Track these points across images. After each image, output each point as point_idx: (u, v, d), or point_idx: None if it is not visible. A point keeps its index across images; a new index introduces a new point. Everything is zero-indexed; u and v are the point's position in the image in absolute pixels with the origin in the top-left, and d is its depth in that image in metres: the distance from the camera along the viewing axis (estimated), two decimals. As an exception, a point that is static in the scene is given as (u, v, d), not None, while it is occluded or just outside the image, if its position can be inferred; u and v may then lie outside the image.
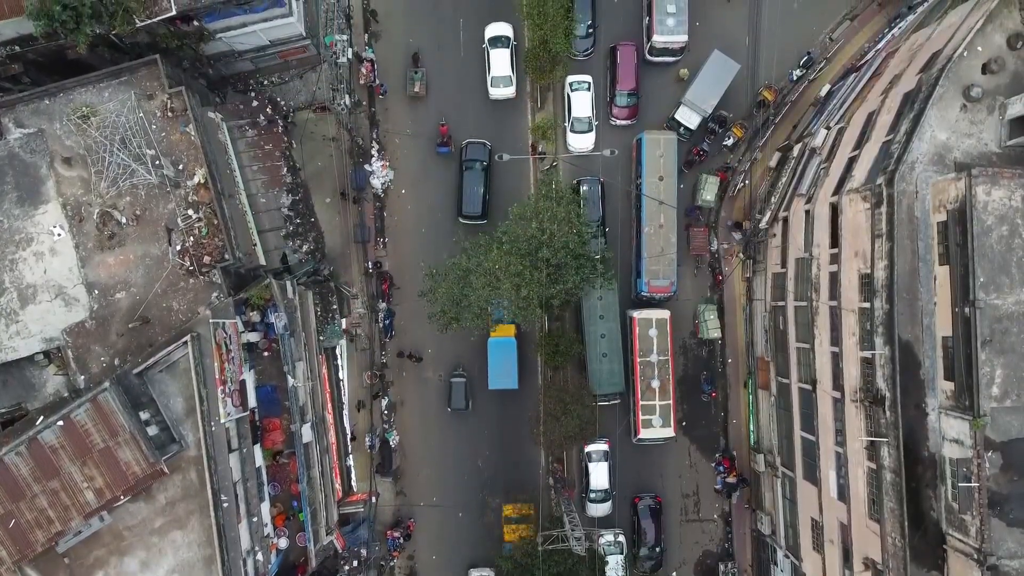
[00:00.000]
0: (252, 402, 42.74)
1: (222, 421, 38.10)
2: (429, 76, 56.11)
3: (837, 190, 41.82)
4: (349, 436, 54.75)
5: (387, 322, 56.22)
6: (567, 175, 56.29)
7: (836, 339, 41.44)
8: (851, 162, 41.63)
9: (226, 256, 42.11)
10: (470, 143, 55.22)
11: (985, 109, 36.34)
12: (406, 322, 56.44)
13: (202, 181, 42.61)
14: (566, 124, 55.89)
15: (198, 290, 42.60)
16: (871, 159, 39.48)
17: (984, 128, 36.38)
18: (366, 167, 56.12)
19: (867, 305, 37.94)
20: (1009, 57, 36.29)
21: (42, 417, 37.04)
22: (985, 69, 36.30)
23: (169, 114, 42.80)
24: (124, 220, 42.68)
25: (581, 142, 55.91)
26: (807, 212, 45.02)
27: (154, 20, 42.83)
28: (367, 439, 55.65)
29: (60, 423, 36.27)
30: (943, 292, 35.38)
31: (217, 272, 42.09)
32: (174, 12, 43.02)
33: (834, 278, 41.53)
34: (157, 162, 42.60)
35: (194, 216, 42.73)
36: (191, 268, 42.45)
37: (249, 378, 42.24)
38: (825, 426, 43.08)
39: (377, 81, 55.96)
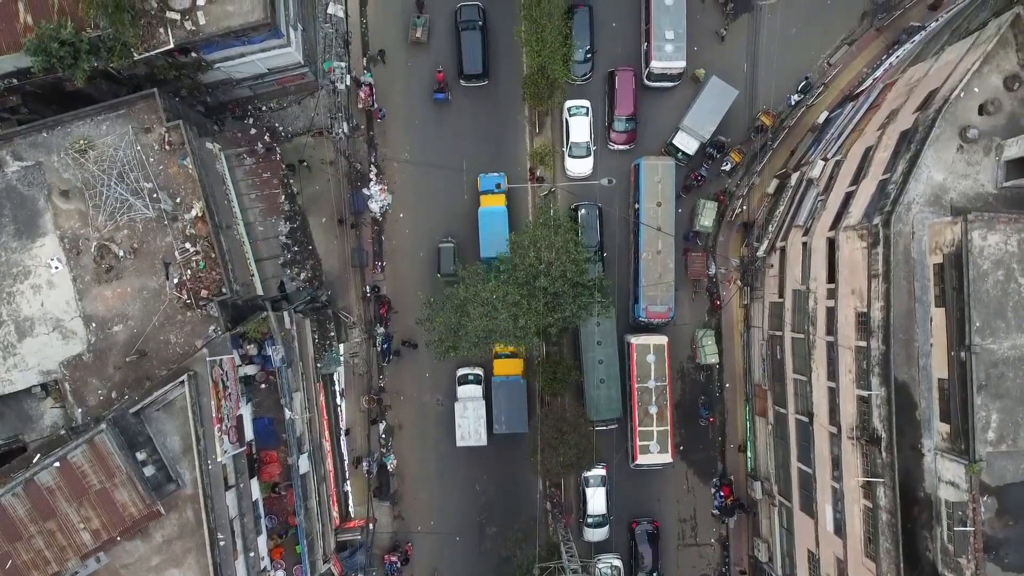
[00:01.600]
0: (249, 435, 42.79)
1: (219, 459, 38.16)
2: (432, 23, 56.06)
3: (834, 225, 41.83)
4: (347, 461, 54.79)
5: (385, 346, 56.25)
6: (565, 199, 56.35)
7: (833, 374, 41.47)
8: (848, 197, 41.62)
9: (223, 290, 42.14)
10: (463, 6, 55.04)
11: (982, 150, 36.35)
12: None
13: (200, 214, 42.64)
14: (564, 149, 55.88)
15: (195, 323, 42.65)
16: (868, 196, 39.48)
17: (981, 169, 36.38)
18: (364, 191, 56.14)
19: (863, 344, 37.96)
20: (1006, 98, 36.31)
21: (39, 455, 37.03)
22: (982, 110, 36.31)
23: (167, 147, 42.83)
24: (122, 253, 42.72)
25: (579, 167, 55.92)
26: (804, 244, 45.03)
27: (152, 53, 42.87)
28: (364, 464, 55.71)
29: (57, 464, 36.32)
30: (939, 334, 35.40)
31: (214, 305, 42.10)
32: (172, 45, 43.12)
33: (831, 313, 41.54)
34: (155, 195, 42.63)
35: (192, 249, 42.76)
36: (188, 301, 42.50)
37: (246, 412, 42.30)
38: (822, 460, 43.12)
39: (375, 105, 55.96)
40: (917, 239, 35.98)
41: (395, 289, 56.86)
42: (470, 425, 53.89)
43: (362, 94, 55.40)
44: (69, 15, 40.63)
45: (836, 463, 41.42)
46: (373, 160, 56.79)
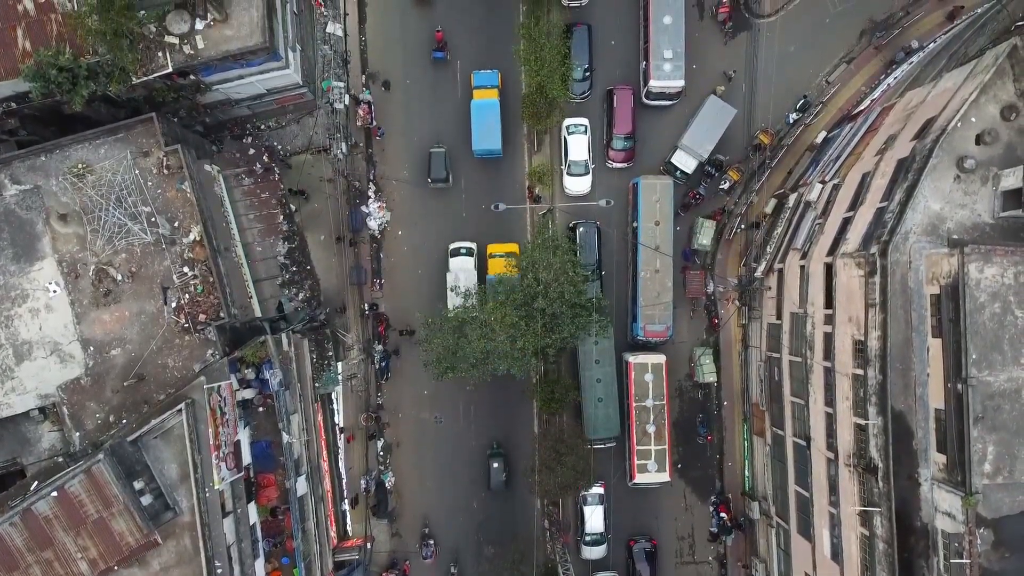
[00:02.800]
0: (247, 459, 42.84)
1: (216, 487, 38.19)
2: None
3: (832, 251, 41.86)
4: (344, 480, 54.85)
5: (383, 364, 56.27)
6: (563, 217, 56.41)
7: (830, 400, 41.51)
8: (845, 223, 41.67)
9: (221, 315, 42.17)
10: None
11: (979, 180, 36.41)
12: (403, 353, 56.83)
13: (198, 238, 42.67)
14: (563, 167, 55.90)
15: (193, 347, 42.70)
16: (865, 224, 39.53)
17: (978, 199, 36.44)
18: (363, 208, 56.14)
19: (860, 372, 38.00)
20: (1003, 128, 36.36)
21: (36, 483, 37.08)
22: (979, 140, 36.37)
23: (165, 171, 42.87)
24: (120, 277, 42.77)
25: (578, 185, 55.95)
26: (802, 268, 45.07)
27: (151, 77, 42.90)
28: (362, 481, 55.78)
29: (54, 494, 36.35)
30: (936, 364, 35.47)
31: (212, 330, 42.14)
32: (171, 69, 43.14)
33: (828, 339, 41.57)
34: (153, 219, 42.66)
35: (190, 274, 42.79)
36: (186, 326, 42.52)
37: (244, 436, 42.36)
38: (820, 485, 43.18)
39: (374, 123, 55.99)
40: (914, 269, 36.05)
41: (394, 306, 56.89)
42: (461, 279, 53.57)
43: (361, 112, 55.41)
44: (67, 41, 40.69)
45: (833, 488, 41.47)
46: (372, 178, 56.80)
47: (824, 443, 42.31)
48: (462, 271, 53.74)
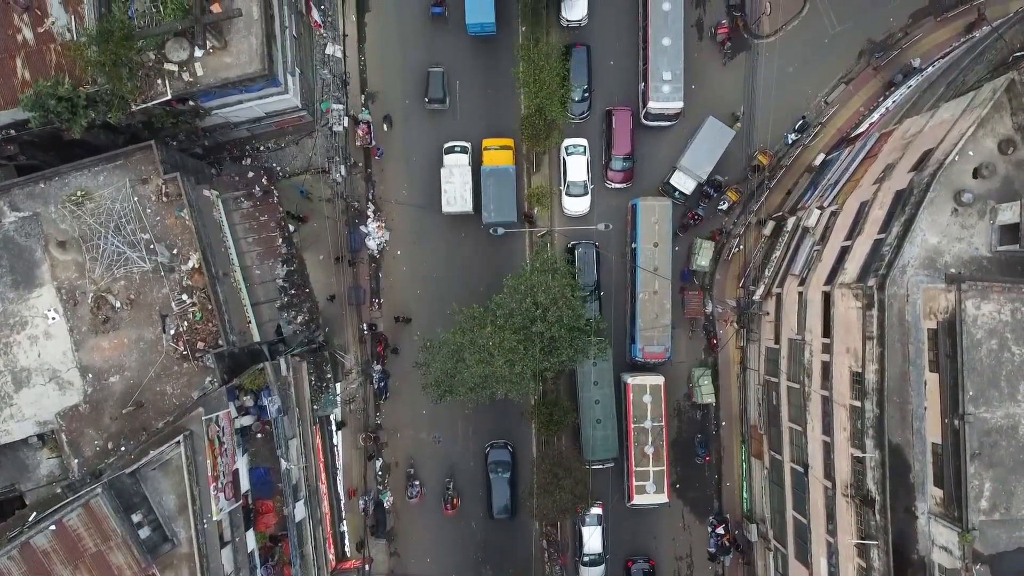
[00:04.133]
0: (245, 486, 42.90)
1: (215, 518, 38.24)
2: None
3: (830, 280, 41.91)
4: (343, 500, 54.94)
5: (382, 384, 56.33)
6: (562, 237, 56.46)
7: (828, 428, 41.54)
8: (843, 252, 41.71)
9: (220, 342, 42.20)
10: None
11: (976, 213, 36.44)
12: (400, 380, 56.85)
13: (196, 266, 42.71)
14: (561, 187, 55.92)
15: (192, 374, 42.77)
16: (863, 255, 39.56)
17: (975, 232, 36.48)
18: (362, 228, 56.17)
19: (858, 403, 38.04)
20: (1000, 162, 36.39)
21: (34, 515, 37.15)
22: (976, 174, 36.39)
23: (164, 198, 42.92)
24: (118, 304, 42.83)
25: (576, 205, 55.98)
26: (800, 294, 45.09)
27: (150, 104, 42.94)
28: (360, 502, 55.87)
29: (52, 527, 36.41)
30: (934, 398, 35.51)
31: (211, 357, 42.18)
32: (169, 96, 43.18)
33: (826, 368, 41.60)
34: (151, 247, 42.70)
35: (188, 301, 42.85)
36: (185, 353, 42.57)
37: (242, 464, 42.43)
38: (817, 512, 43.22)
39: (373, 143, 56.04)
40: (912, 302, 36.09)
41: (392, 326, 56.93)
42: (456, 191, 53.53)
43: (360, 131, 55.51)
44: (66, 71, 40.74)
45: (831, 517, 41.49)
46: (371, 197, 56.83)
47: (822, 471, 42.35)
48: (456, 167, 53.84)
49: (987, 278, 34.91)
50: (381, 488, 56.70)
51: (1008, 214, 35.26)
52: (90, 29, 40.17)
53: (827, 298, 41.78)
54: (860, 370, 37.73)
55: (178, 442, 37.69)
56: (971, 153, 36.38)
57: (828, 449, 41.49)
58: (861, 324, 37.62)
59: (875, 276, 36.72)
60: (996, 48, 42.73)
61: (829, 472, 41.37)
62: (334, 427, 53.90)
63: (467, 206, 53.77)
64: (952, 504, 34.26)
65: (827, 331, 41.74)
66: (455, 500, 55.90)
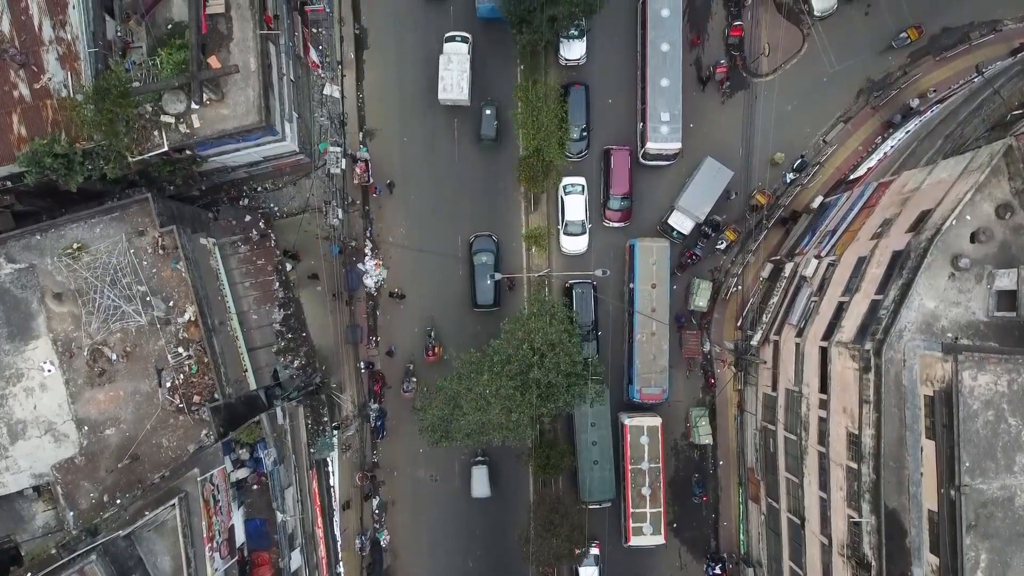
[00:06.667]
0: (241, 538, 42.83)
1: (210, 578, 38.29)
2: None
3: (827, 335, 41.86)
4: (339, 541, 54.90)
5: (379, 423, 56.28)
6: (560, 275, 56.38)
7: (824, 484, 41.51)
8: (841, 308, 41.66)
9: (216, 396, 42.13)
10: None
11: (973, 278, 36.36)
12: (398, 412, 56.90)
13: (192, 319, 42.62)
14: (560, 226, 55.82)
15: (188, 427, 42.69)
16: (860, 314, 39.51)
17: (972, 297, 36.41)
18: (359, 266, 56.10)
19: (854, 465, 37.99)
20: (997, 227, 36.31)
21: (29, 574, 37.10)
22: (974, 238, 36.33)
23: (160, 251, 42.81)
24: (114, 356, 42.72)
25: (574, 244, 55.91)
26: (797, 346, 45.04)
27: (147, 156, 42.84)
28: (357, 541, 55.84)
29: (47, 593, 36.39)
30: (930, 464, 35.43)
31: (207, 410, 42.11)
32: (166, 148, 43.07)
33: (823, 424, 41.57)
34: (148, 299, 42.60)
35: (184, 354, 42.77)
36: (181, 406, 42.48)
37: (238, 518, 42.37)
38: (813, 567, 43.27)
39: (371, 180, 55.95)
40: (908, 367, 36.02)
41: (389, 364, 56.87)
42: (453, 78, 53.35)
43: (358, 169, 55.40)
44: (63, 127, 40.61)
45: (827, 573, 41.46)
46: (369, 235, 56.73)
47: (818, 527, 42.34)
48: (455, 55, 53.66)
49: (984, 348, 34.86)
50: (378, 527, 56.67)
51: (1005, 280, 35.21)
52: (86, 87, 40.05)
53: (824, 354, 41.73)
54: (857, 432, 37.69)
55: (173, 505, 37.58)
56: (969, 217, 36.32)
57: (825, 506, 41.47)
58: (858, 386, 37.59)
59: (872, 340, 36.66)
60: (994, 102, 42.68)
61: (826, 528, 41.34)
62: (331, 467, 53.78)
63: (463, 94, 53.48)
64: (948, 573, 34.19)
65: (824, 387, 41.70)
66: (436, 348, 55.75)
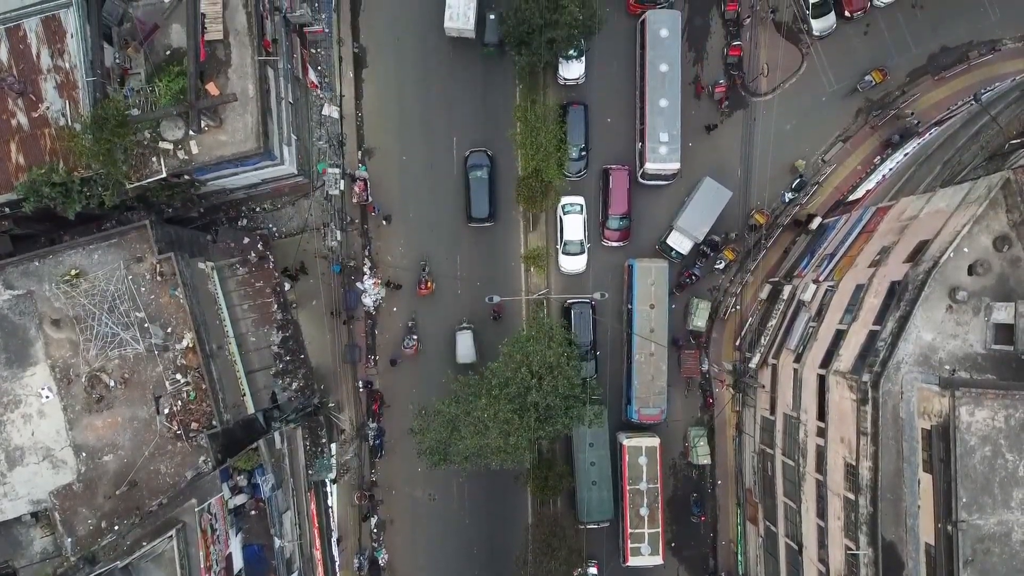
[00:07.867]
0: (239, 565, 42.87)
1: (208, 609, 38.36)
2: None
3: (825, 363, 41.85)
4: (338, 562, 54.96)
5: (378, 442, 56.31)
6: (558, 295, 56.35)
7: (822, 512, 41.52)
8: (839, 336, 41.64)
9: (214, 423, 42.14)
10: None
11: (971, 310, 36.36)
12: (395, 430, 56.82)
13: (191, 345, 42.62)
14: (558, 246, 55.80)
15: (186, 454, 42.66)
16: (858, 344, 39.49)
17: (970, 329, 36.41)
18: (358, 285, 56.09)
19: (852, 496, 38.00)
20: (995, 259, 36.31)
21: (28, 606, 37.25)
22: (971, 271, 36.31)
23: (159, 278, 42.79)
24: (112, 383, 42.71)
25: (573, 264, 55.87)
26: (795, 371, 45.04)
27: (145, 182, 42.84)
28: (355, 560, 55.88)
29: (45, 627, 36.48)
30: (927, 497, 35.43)
31: (204, 437, 42.13)
32: (164, 174, 43.06)
33: (820, 452, 41.58)
34: (145, 325, 42.59)
35: (182, 380, 42.75)
36: (179, 432, 42.48)
37: (235, 545, 42.43)
38: (811, 594, 43.25)
39: (370, 199, 55.93)
40: (906, 399, 36.03)
41: (388, 383, 56.89)
42: (460, 5, 52.51)
43: (357, 188, 55.39)
44: (61, 156, 40.60)
45: (825, 600, 41.53)
46: (367, 253, 56.70)
47: (816, 554, 42.35)
48: None
49: (981, 383, 34.83)
50: (376, 545, 56.70)
51: (1003, 314, 35.22)
52: (85, 116, 40.05)
53: (823, 382, 41.73)
54: (854, 463, 37.68)
55: (171, 536, 37.62)
56: (966, 250, 36.31)
57: (822, 534, 41.47)
58: (855, 417, 37.58)
59: (870, 372, 36.65)
60: (991, 129, 42.64)
61: (823, 556, 41.34)
62: (329, 487, 53.81)
63: (469, 23, 52.88)
64: (945, 608, 34.24)
65: (822, 414, 41.70)
66: (428, 282, 55.78)
